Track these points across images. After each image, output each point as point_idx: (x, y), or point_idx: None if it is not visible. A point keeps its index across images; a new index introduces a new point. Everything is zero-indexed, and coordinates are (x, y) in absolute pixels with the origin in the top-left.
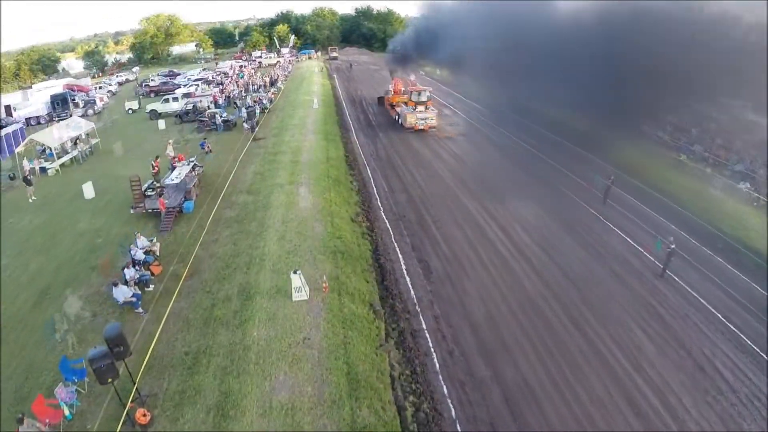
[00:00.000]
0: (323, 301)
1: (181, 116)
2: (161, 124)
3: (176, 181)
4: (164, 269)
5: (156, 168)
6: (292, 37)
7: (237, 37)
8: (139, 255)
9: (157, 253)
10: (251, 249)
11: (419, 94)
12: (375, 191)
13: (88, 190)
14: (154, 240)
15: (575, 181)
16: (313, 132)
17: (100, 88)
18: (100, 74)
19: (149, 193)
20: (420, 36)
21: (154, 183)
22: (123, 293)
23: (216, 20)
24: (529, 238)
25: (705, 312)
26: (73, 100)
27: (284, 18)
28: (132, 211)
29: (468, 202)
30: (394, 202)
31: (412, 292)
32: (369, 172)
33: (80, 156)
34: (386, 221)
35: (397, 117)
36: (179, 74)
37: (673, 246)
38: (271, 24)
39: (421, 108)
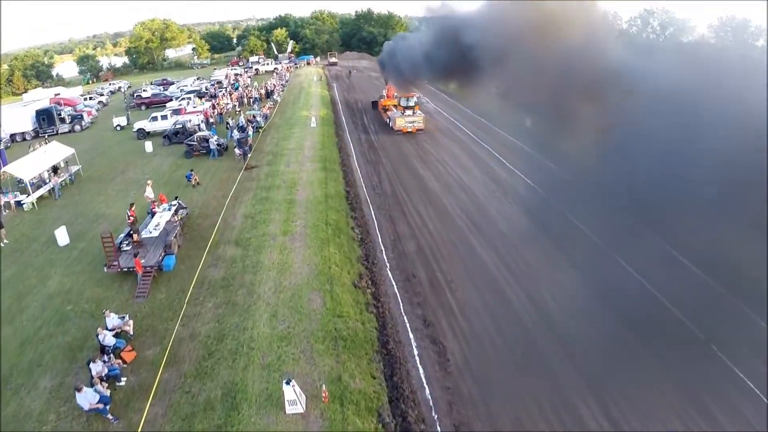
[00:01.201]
0: (322, 414)
1: (169, 137)
2: (148, 146)
3: (155, 234)
4: (138, 354)
5: (132, 217)
6: (291, 43)
7: (235, 41)
8: (109, 339)
9: (131, 333)
10: (238, 331)
11: (408, 99)
12: (380, 239)
13: (62, 237)
14: (126, 318)
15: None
16: (310, 159)
17: (90, 98)
18: (95, 80)
19: (124, 248)
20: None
21: (131, 232)
22: (88, 399)
23: (215, 20)
24: (558, 307)
25: None
26: (59, 115)
27: (282, 22)
28: (106, 269)
29: (484, 252)
30: (401, 253)
31: (427, 390)
32: (372, 212)
33: (56, 190)
34: (393, 283)
35: (388, 120)
36: (173, 83)
37: None
38: (269, 28)
39: (409, 112)
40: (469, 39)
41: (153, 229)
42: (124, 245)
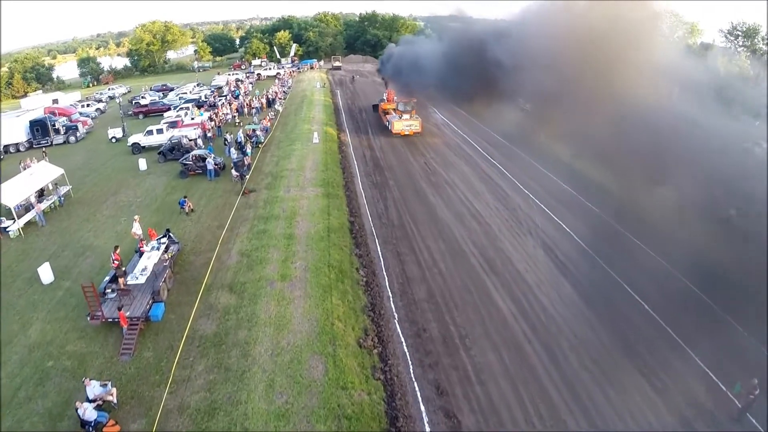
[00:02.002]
0: None
1: (165, 154)
2: (142, 164)
3: (141, 280)
4: (122, 427)
5: (116, 261)
6: (294, 47)
7: (238, 42)
8: (90, 413)
9: (114, 402)
10: (231, 404)
11: (405, 104)
12: (387, 282)
13: (46, 274)
14: (109, 387)
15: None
16: (311, 182)
17: (88, 105)
18: (95, 83)
19: (109, 294)
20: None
21: (115, 274)
22: None
23: (219, 19)
24: (580, 364)
25: None
26: (54, 126)
27: (286, 24)
28: (89, 319)
29: (500, 298)
30: (410, 301)
31: None
32: (378, 247)
33: (39, 218)
34: (402, 339)
35: (387, 123)
36: (173, 89)
37: (757, 392)
38: (273, 30)
39: (406, 116)
40: (506, 60)
41: (140, 274)
42: (109, 291)
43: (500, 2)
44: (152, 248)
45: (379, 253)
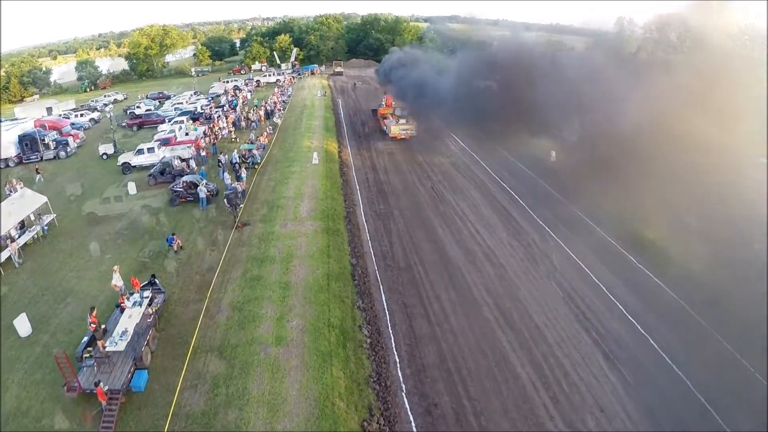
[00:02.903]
0: None
1: (155, 176)
2: (131, 187)
3: (121, 346)
4: None
5: (93, 324)
6: (294, 52)
7: (238, 44)
8: None
9: None
10: None
11: (402, 109)
12: (393, 343)
13: (23, 326)
14: None
15: None
16: (310, 214)
17: (81, 115)
18: (93, 87)
19: (87, 361)
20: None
21: (94, 335)
22: None
23: (221, 19)
24: None
25: None
26: (43, 140)
27: (286, 27)
28: (65, 390)
29: (518, 362)
30: (419, 367)
31: None
32: (383, 298)
33: (15, 259)
34: (411, 418)
35: (385, 127)
36: (169, 97)
37: None
38: (273, 33)
39: (402, 121)
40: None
41: (119, 339)
42: (87, 357)
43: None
44: (134, 303)
45: (385, 305)
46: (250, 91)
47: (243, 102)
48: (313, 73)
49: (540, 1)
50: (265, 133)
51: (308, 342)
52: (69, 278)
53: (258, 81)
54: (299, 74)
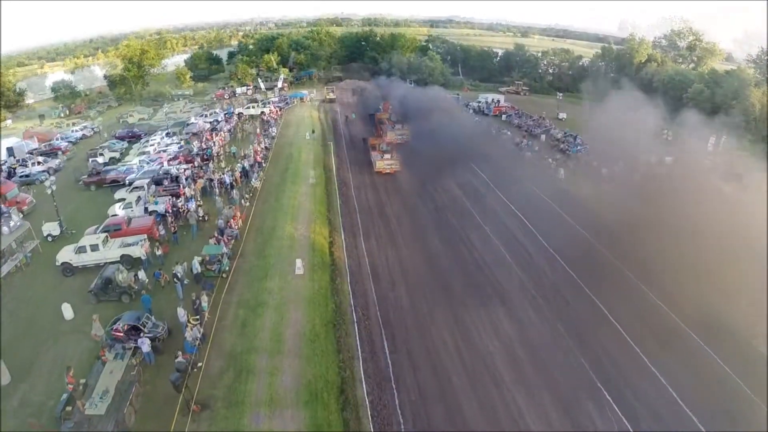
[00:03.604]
0: None
1: (96, 293)
2: (67, 311)
3: (101, 409)
4: None
5: (71, 384)
6: (282, 77)
7: (226, 60)
8: None
9: None
10: None
11: (386, 145)
12: None
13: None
14: None
15: None
16: (293, 387)
17: (39, 162)
18: (67, 112)
19: (67, 423)
20: None
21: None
22: None
23: (214, 21)
24: None
25: None
26: None
27: (275, 42)
28: None
29: None
30: None
31: None
32: None
33: None
34: None
35: (372, 160)
36: (140, 135)
37: None
38: (261, 49)
39: (387, 156)
40: None
41: (99, 400)
42: (65, 420)
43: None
44: (116, 356)
45: None
46: (230, 130)
47: (220, 146)
48: (302, 101)
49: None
50: (237, 213)
51: None
52: None
53: (240, 114)
54: (287, 103)
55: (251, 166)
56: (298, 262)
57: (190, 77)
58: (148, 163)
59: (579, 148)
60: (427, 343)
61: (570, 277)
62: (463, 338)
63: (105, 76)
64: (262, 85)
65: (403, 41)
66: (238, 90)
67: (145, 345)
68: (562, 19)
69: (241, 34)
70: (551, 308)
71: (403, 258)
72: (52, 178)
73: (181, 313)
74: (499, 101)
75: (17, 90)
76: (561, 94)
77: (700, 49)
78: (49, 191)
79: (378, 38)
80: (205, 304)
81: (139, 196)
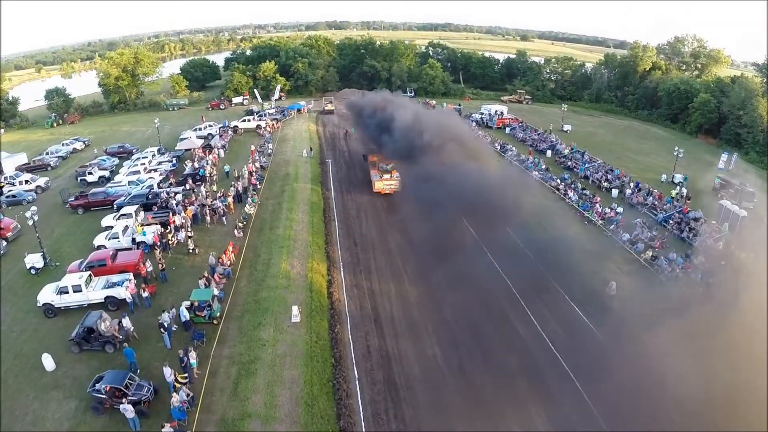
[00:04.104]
0: None
1: (78, 343)
2: (48, 361)
3: None
4: None
5: None
6: (278, 88)
7: (222, 67)
8: None
9: None
10: None
11: (386, 165)
12: None
13: None
14: None
15: None
16: None
17: (27, 182)
18: (60, 122)
19: None
20: None
21: None
22: None
23: (212, 26)
24: None
25: None
26: None
27: (272, 52)
28: None
29: None
30: None
31: None
32: None
33: None
34: None
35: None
36: (132, 151)
37: None
38: (257, 58)
39: (387, 176)
40: None
41: None
42: None
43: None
44: None
45: None
46: (224, 146)
47: (213, 165)
48: (300, 113)
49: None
50: (230, 247)
51: None
52: None
53: (236, 128)
54: (284, 116)
55: (245, 189)
56: (295, 309)
57: (186, 86)
58: (137, 184)
59: (587, 165)
60: (434, 399)
61: None
62: (476, 402)
63: (99, 84)
64: (258, 97)
65: (402, 48)
66: (235, 100)
67: (128, 411)
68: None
69: (239, 38)
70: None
71: (408, 300)
72: (34, 208)
73: (168, 372)
74: (502, 113)
75: (10, 99)
76: (566, 106)
77: (704, 56)
78: (30, 222)
79: (377, 45)
80: (194, 361)
81: (126, 226)
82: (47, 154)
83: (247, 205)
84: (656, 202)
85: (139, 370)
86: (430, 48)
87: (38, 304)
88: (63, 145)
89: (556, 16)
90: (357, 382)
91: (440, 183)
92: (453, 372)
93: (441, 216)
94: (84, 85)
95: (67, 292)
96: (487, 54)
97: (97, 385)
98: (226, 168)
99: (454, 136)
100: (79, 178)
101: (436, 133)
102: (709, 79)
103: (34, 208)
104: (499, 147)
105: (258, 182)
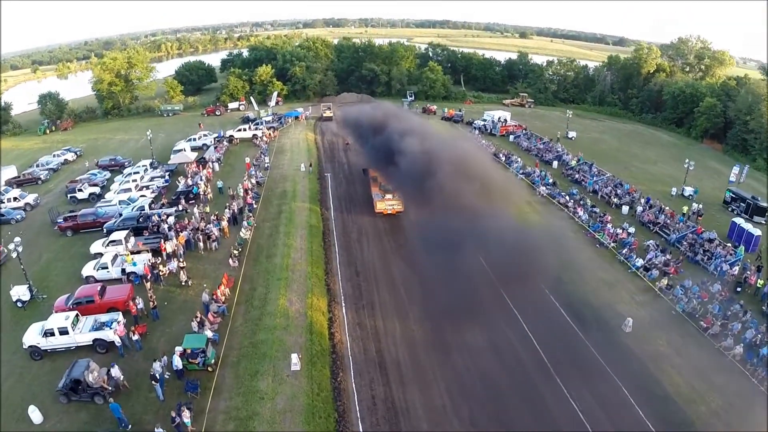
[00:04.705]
0: None
1: (66, 394)
2: (35, 414)
3: None
4: None
5: None
6: (275, 95)
7: (219, 69)
8: None
9: None
10: None
11: (387, 185)
12: None
13: None
14: None
15: None
16: None
17: (15, 199)
18: (53, 128)
19: None
20: None
21: None
22: None
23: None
24: None
25: None
26: None
27: (269, 55)
28: None
29: None
30: None
31: None
32: None
33: None
34: None
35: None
36: (124, 163)
37: None
38: (254, 61)
39: (389, 196)
40: None
41: None
42: None
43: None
44: None
45: None
46: (219, 159)
47: (207, 182)
48: (297, 120)
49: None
50: (225, 279)
51: None
52: None
53: (231, 138)
54: (281, 123)
55: (240, 209)
56: (294, 357)
57: (181, 91)
58: (128, 204)
59: (595, 179)
60: None
61: None
62: None
63: (93, 89)
64: (255, 104)
65: (402, 51)
66: (231, 105)
67: None
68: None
69: (237, 36)
70: None
71: (414, 341)
72: (17, 239)
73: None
74: (506, 120)
75: (2, 105)
76: (570, 112)
77: (709, 57)
78: (14, 254)
79: (377, 48)
80: (187, 420)
81: (115, 255)
82: (38, 166)
83: (242, 229)
84: (668, 221)
85: (130, 426)
86: (429, 49)
87: (24, 347)
88: (54, 156)
89: (555, 14)
90: None
91: (456, 230)
92: (464, 426)
93: (452, 252)
94: (79, 86)
95: (54, 335)
96: (487, 54)
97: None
98: (219, 184)
99: (476, 175)
100: (69, 195)
101: (453, 170)
102: (715, 82)
103: (17, 239)
104: (504, 158)
105: (254, 201)
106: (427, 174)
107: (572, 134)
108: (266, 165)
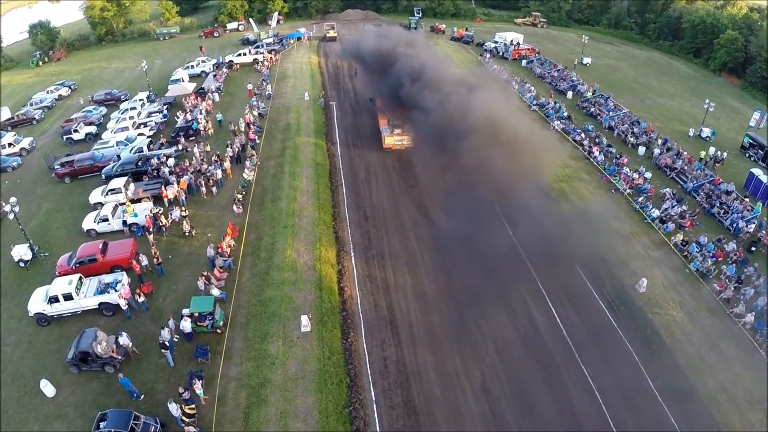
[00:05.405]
0: None
1: (77, 365)
2: (48, 387)
3: None
4: None
5: None
6: (275, 15)
7: None
8: None
9: None
10: None
11: (396, 119)
12: None
13: None
14: None
15: None
16: None
17: (10, 144)
18: (46, 59)
19: None
20: None
21: None
22: None
23: None
24: None
25: None
26: None
27: None
28: None
29: None
30: None
31: None
32: None
33: None
34: None
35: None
36: (119, 97)
37: None
38: None
39: (398, 131)
40: None
41: None
42: None
43: None
44: None
45: None
46: (219, 89)
47: (207, 115)
48: (300, 41)
49: None
50: (229, 239)
51: None
52: None
53: (231, 63)
54: (283, 46)
55: (243, 146)
56: (304, 319)
57: (177, 12)
58: (126, 144)
59: (612, 114)
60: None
61: None
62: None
63: (85, 15)
64: (255, 27)
65: None
66: (229, 26)
67: None
68: None
69: None
70: None
71: (426, 297)
72: (13, 199)
73: (173, 408)
74: (518, 43)
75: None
76: (586, 38)
77: None
78: (11, 215)
79: None
80: (200, 391)
81: (116, 205)
82: (31, 105)
83: (246, 170)
84: (686, 167)
85: (142, 396)
86: None
87: (29, 314)
88: (47, 92)
89: None
90: (375, 406)
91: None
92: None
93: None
94: (73, 10)
95: (58, 301)
96: None
97: (101, 424)
98: (219, 117)
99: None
100: (64, 136)
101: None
102: (737, 13)
103: (13, 199)
104: (516, 85)
105: (257, 136)
106: (447, 128)
107: (587, 60)
108: (268, 93)
